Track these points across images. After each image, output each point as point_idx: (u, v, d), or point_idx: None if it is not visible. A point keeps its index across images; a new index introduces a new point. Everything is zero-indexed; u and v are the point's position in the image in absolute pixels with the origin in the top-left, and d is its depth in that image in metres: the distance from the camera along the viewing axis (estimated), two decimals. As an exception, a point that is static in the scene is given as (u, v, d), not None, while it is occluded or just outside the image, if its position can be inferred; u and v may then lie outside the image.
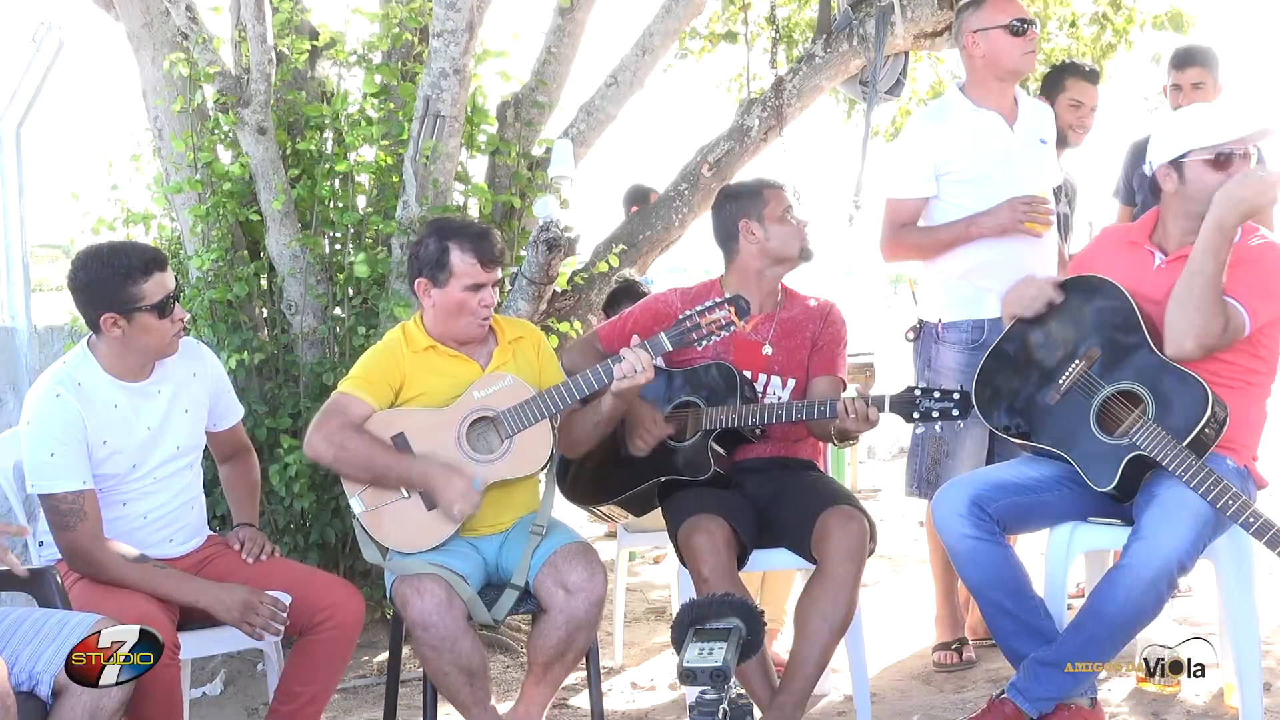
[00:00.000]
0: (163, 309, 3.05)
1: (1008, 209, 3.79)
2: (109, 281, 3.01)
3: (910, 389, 3.36)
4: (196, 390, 3.28)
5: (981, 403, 3.38)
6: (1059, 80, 4.57)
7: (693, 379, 3.60)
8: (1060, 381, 3.26)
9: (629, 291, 4.70)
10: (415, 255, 3.38)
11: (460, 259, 3.30)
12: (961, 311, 3.92)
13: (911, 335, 4.10)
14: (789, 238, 3.62)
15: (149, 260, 3.04)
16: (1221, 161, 3.20)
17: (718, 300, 3.34)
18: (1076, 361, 3.26)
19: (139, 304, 3.02)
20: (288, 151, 4.62)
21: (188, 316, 3.15)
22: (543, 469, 3.42)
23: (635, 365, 3.27)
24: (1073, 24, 7.15)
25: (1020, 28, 3.88)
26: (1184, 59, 4.50)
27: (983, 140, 3.91)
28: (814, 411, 3.41)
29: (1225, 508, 2.98)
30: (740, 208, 3.67)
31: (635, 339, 3.36)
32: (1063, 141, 4.48)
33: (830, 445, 3.79)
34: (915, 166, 3.92)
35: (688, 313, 3.34)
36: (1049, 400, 3.28)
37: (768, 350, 3.62)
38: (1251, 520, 2.96)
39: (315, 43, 4.75)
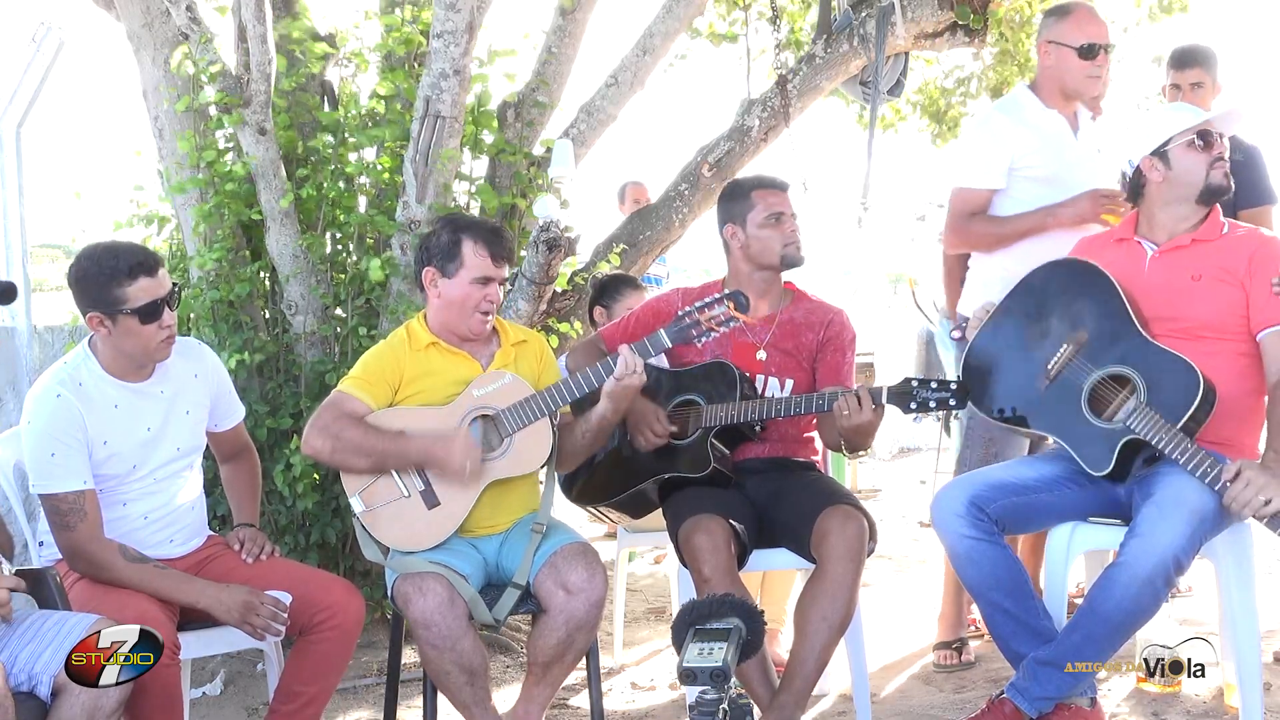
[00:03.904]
0: (146, 314, 3.03)
1: (1089, 200, 3.79)
2: (95, 280, 3.01)
3: (907, 380, 3.35)
4: (197, 391, 3.28)
5: (973, 391, 3.37)
6: None
7: (692, 377, 3.61)
8: (1049, 366, 3.26)
9: (618, 281, 4.71)
10: (426, 246, 3.39)
11: (472, 250, 3.32)
12: None
13: (957, 334, 4.07)
14: (769, 243, 3.59)
15: (136, 264, 3.01)
16: (1203, 143, 3.29)
17: (717, 296, 3.33)
18: (1064, 346, 3.26)
19: (121, 307, 3.01)
20: (299, 151, 4.62)
21: (174, 323, 3.12)
22: (542, 467, 3.42)
23: (632, 366, 3.28)
24: None
25: (1092, 51, 3.88)
26: (1183, 59, 4.48)
27: (1053, 141, 3.91)
28: (811, 404, 3.41)
29: (1224, 489, 2.99)
30: (726, 211, 3.68)
31: (624, 347, 3.33)
32: None
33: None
34: (990, 158, 3.90)
35: (687, 309, 3.34)
36: (1039, 386, 3.28)
37: (761, 355, 3.62)
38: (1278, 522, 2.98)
39: (332, 50, 4.75)
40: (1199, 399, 3.06)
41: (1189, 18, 7.06)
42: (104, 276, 3.00)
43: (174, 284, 3.13)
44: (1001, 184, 3.91)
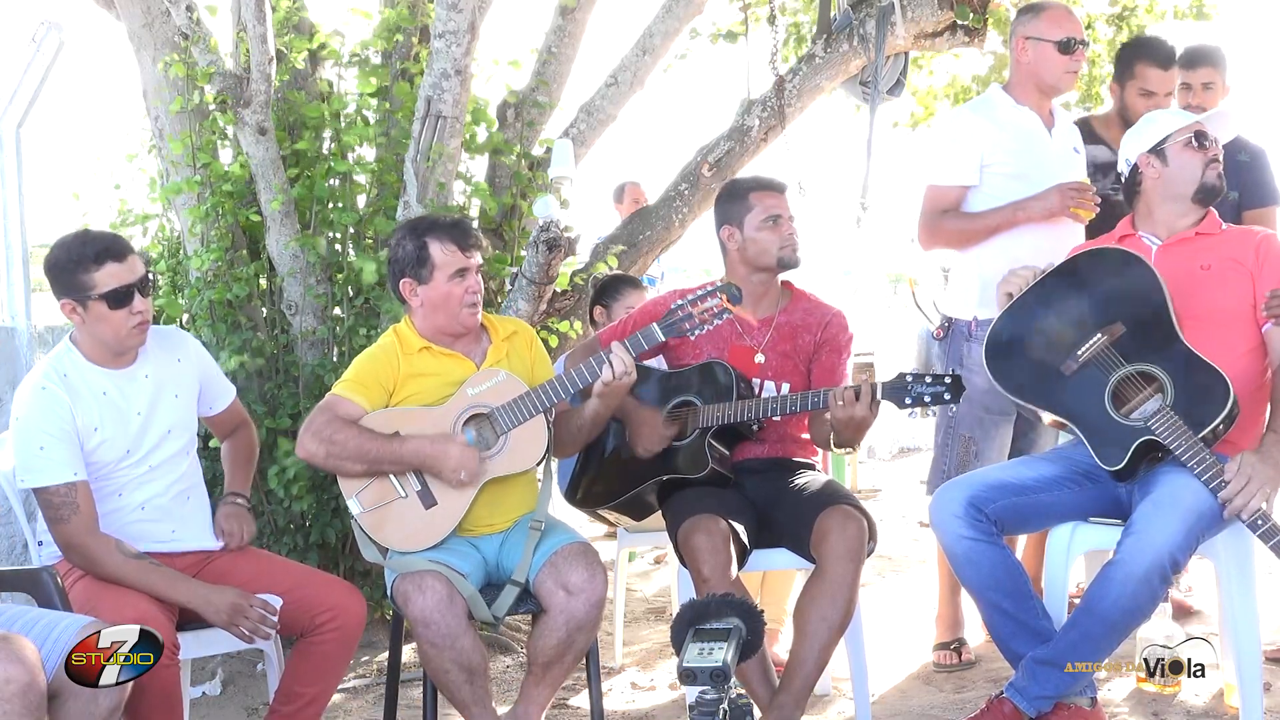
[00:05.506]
0: (115, 300, 3.03)
1: (1057, 194, 3.78)
2: (65, 267, 3.03)
3: (901, 375, 3.34)
4: (183, 375, 3.28)
5: (992, 360, 3.35)
6: (1129, 64, 4.28)
7: (689, 378, 3.60)
8: (1079, 352, 3.24)
9: (619, 281, 4.72)
10: (394, 258, 3.38)
11: (439, 249, 3.31)
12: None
13: (940, 334, 4.07)
14: (767, 245, 3.58)
15: (103, 249, 3.03)
16: (1199, 144, 3.33)
17: (710, 289, 3.32)
18: (1099, 335, 3.24)
19: (89, 292, 3.02)
20: (293, 144, 4.62)
21: (150, 310, 3.11)
22: (538, 464, 3.42)
23: (622, 366, 3.27)
24: (1088, 25, 7.10)
25: (1070, 46, 3.88)
26: (1194, 59, 4.46)
27: (1025, 138, 3.91)
28: (808, 402, 3.40)
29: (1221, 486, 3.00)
30: (723, 212, 3.68)
31: (615, 344, 3.33)
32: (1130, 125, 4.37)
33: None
34: (960, 155, 3.91)
35: (679, 302, 3.33)
36: (1064, 369, 3.26)
37: (760, 359, 3.61)
38: (1260, 522, 2.97)
39: (312, 43, 4.75)
40: (1225, 412, 3.05)
41: (1176, 18, 7.03)
42: (72, 263, 3.02)
43: (148, 271, 3.13)
44: (973, 180, 3.90)
